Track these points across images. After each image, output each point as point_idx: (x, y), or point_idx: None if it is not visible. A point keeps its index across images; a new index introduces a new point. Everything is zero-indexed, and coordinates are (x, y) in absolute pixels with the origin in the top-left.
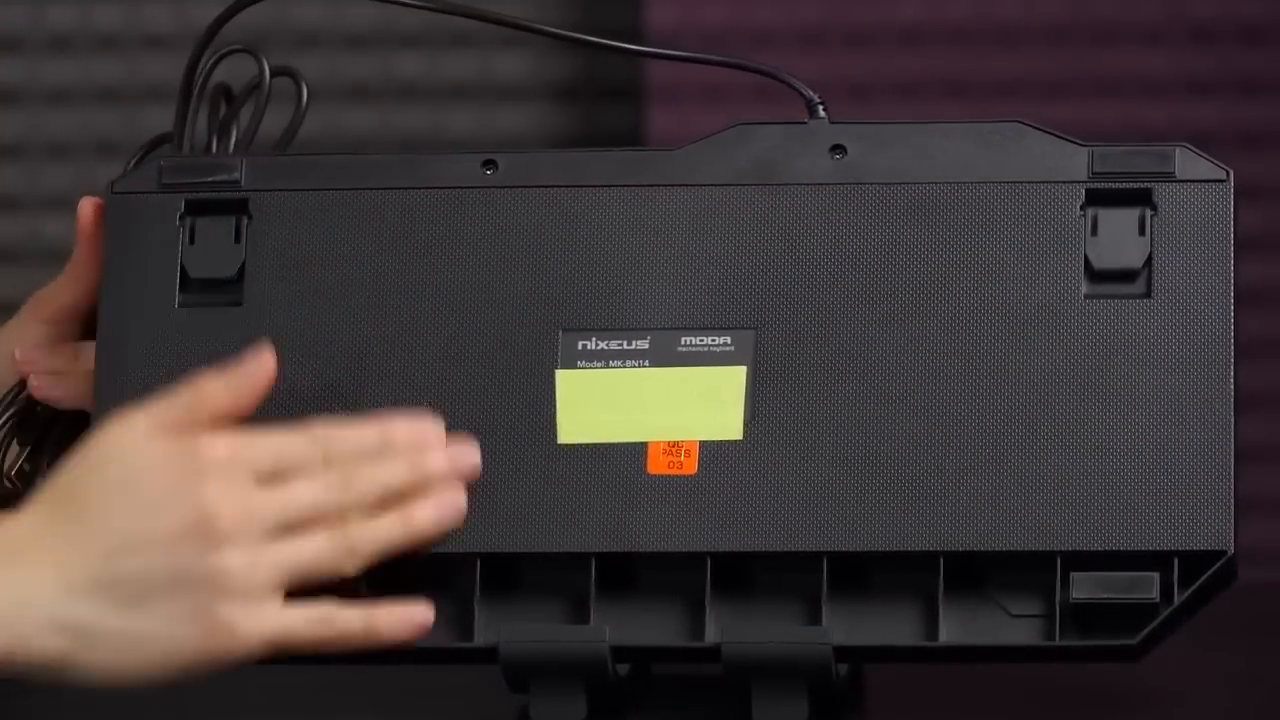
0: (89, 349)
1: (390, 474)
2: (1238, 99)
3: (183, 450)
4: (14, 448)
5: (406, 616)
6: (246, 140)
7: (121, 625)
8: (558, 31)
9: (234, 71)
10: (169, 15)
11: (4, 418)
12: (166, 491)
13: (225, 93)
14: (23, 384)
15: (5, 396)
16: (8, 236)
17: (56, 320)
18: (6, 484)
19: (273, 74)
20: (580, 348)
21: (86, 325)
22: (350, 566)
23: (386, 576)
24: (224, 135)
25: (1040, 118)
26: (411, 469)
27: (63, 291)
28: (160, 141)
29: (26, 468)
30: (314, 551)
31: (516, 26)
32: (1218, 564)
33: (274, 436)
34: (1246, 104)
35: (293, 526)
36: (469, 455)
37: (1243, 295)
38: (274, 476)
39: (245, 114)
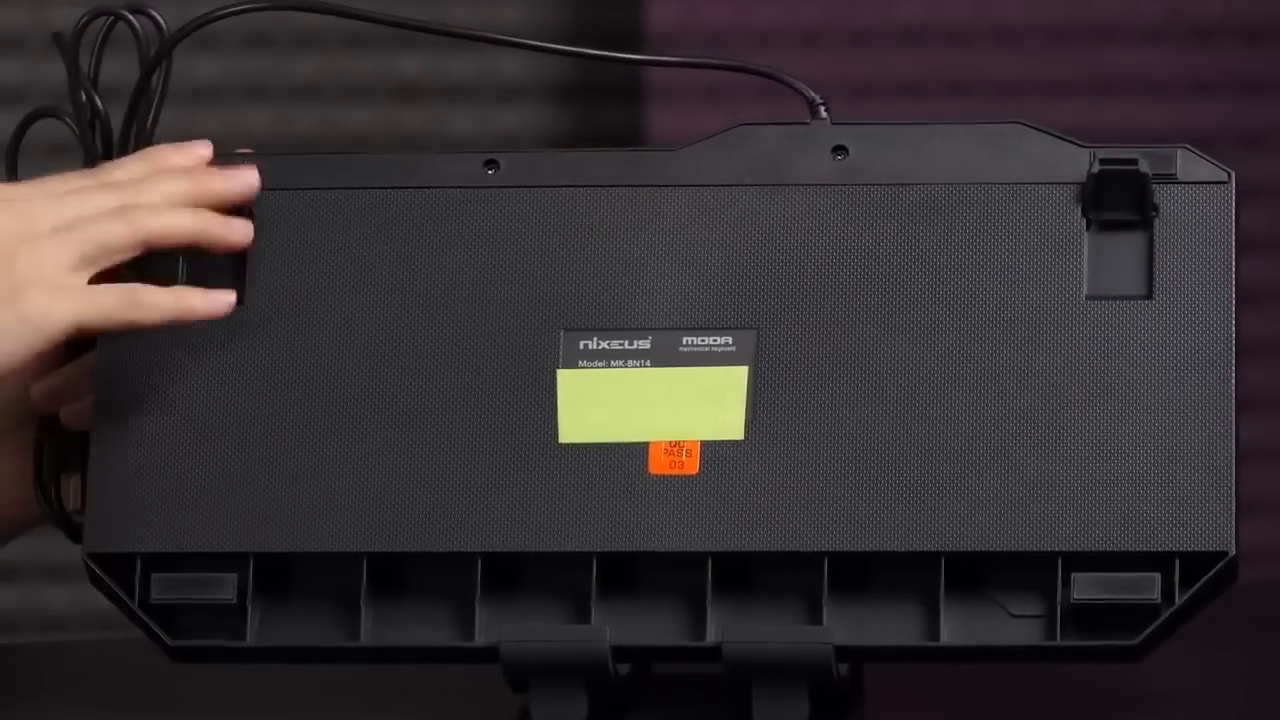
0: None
1: (171, 187)
2: (1239, 99)
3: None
4: (65, 480)
5: (215, 295)
6: (92, 77)
7: None
8: (556, 47)
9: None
10: (173, 15)
11: (49, 460)
12: None
13: (57, 39)
14: (43, 420)
15: (39, 439)
16: None
17: None
18: (76, 516)
19: (132, 12)
20: (582, 347)
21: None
22: (139, 239)
23: (382, 575)
24: (80, 84)
25: (1040, 118)
26: (192, 183)
27: None
28: (37, 116)
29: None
30: (104, 229)
31: (516, 45)
32: (1219, 565)
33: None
34: (1247, 104)
35: (83, 220)
36: (248, 174)
37: (1244, 295)
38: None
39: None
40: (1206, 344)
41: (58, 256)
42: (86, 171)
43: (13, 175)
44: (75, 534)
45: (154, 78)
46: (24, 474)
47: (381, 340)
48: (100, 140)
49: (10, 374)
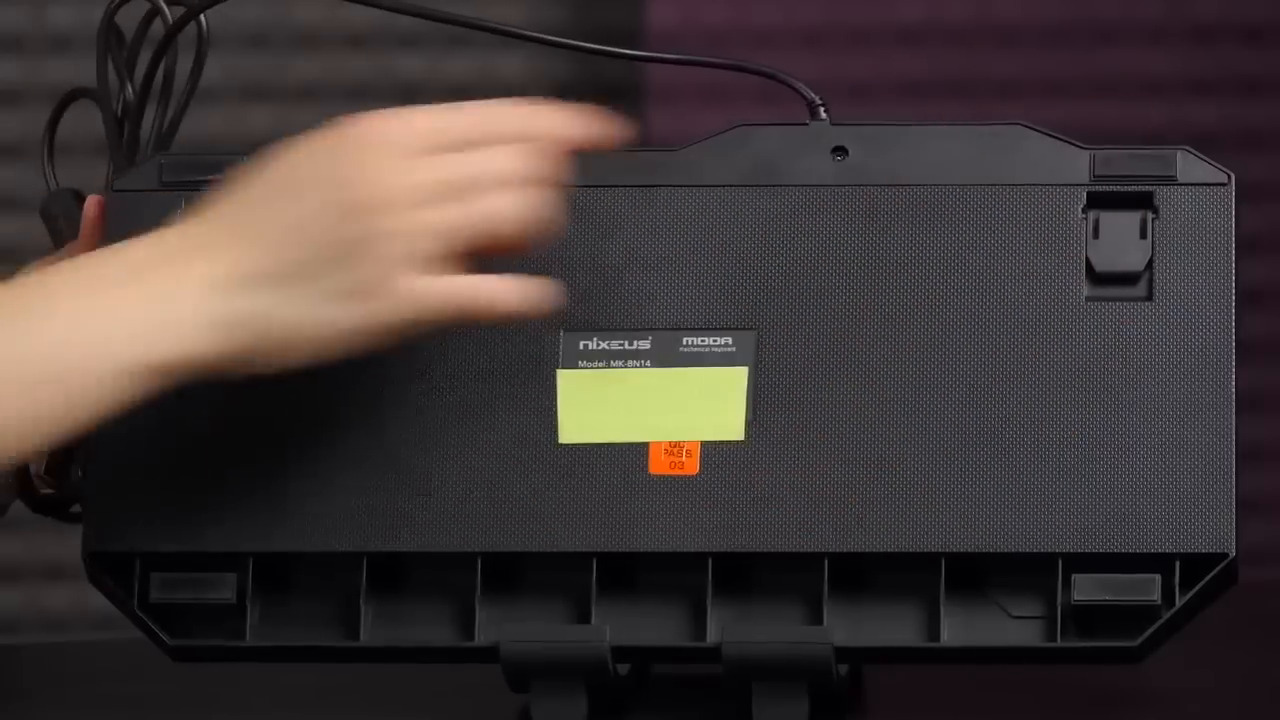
0: None
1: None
2: (1238, 99)
3: (339, 135)
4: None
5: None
6: (158, 86)
7: (286, 311)
8: (558, 40)
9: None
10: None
11: None
12: (324, 173)
13: (118, 36)
14: None
15: None
16: (8, 235)
17: None
18: (41, 483)
19: (174, 15)
20: (581, 347)
21: None
22: (509, 229)
23: (382, 575)
24: (131, 80)
25: (1040, 118)
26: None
27: None
28: (77, 94)
29: (59, 461)
30: (470, 216)
31: (516, 36)
32: (1219, 566)
33: (428, 114)
34: (1247, 104)
35: (449, 196)
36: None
37: (1244, 295)
38: (430, 150)
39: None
40: (1206, 344)
41: (424, 237)
42: (467, 112)
43: (49, 157)
44: (37, 503)
45: (167, 54)
46: None
47: None
48: (128, 126)
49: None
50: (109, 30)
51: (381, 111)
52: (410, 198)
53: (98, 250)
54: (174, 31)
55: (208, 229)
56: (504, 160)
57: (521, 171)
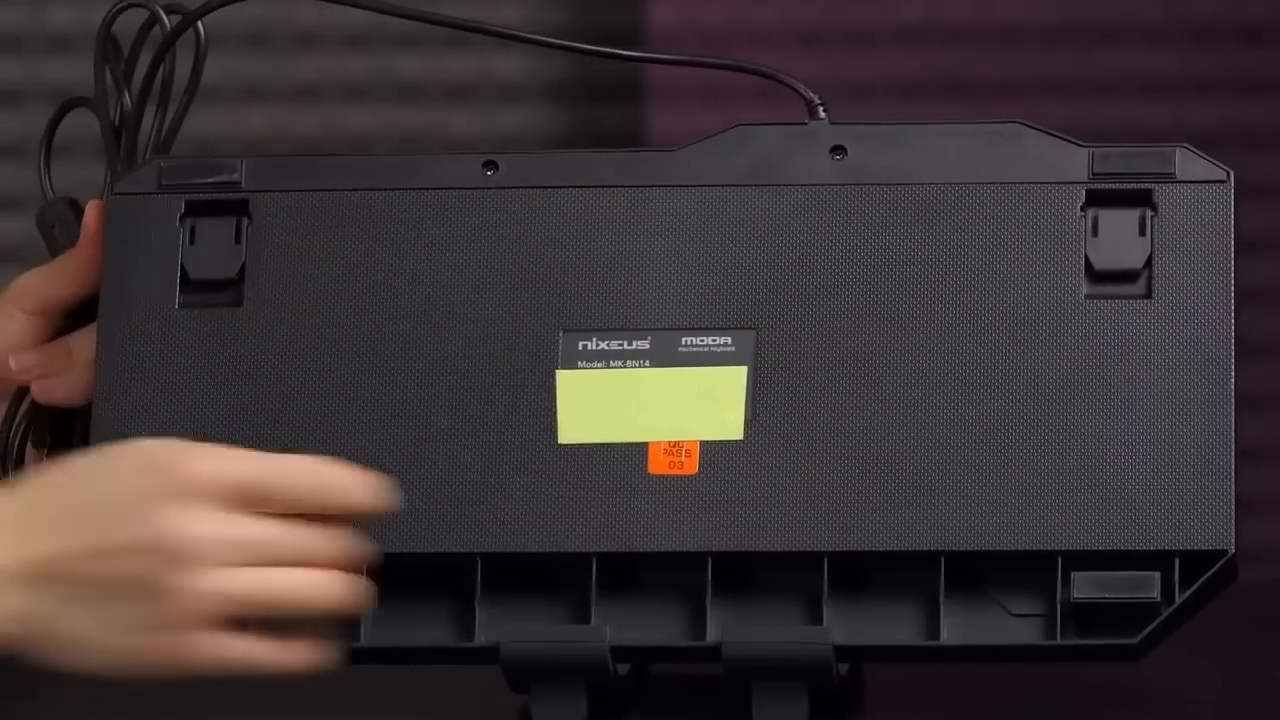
0: (80, 342)
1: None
2: (1239, 99)
3: (151, 465)
4: (31, 452)
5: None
6: (157, 91)
7: (74, 624)
8: (555, 41)
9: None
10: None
11: (16, 428)
12: (139, 505)
13: (114, 44)
14: (24, 390)
15: (12, 407)
16: (9, 236)
17: (44, 311)
18: None
19: (172, 23)
20: (581, 348)
21: (74, 317)
22: (310, 607)
23: (383, 575)
24: (129, 87)
25: (1040, 118)
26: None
27: (53, 285)
28: (74, 104)
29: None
30: (274, 589)
31: (515, 38)
32: (1219, 564)
33: (251, 464)
34: (1248, 104)
35: (255, 560)
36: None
37: (1244, 295)
38: (247, 504)
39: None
40: (1206, 343)
41: (216, 599)
42: (287, 470)
43: (46, 166)
44: None
45: (165, 61)
46: None
47: (381, 342)
48: (126, 133)
49: None
50: (106, 39)
51: (186, 448)
52: (218, 555)
53: None
54: (171, 39)
55: (28, 518)
56: (312, 536)
57: (327, 551)
